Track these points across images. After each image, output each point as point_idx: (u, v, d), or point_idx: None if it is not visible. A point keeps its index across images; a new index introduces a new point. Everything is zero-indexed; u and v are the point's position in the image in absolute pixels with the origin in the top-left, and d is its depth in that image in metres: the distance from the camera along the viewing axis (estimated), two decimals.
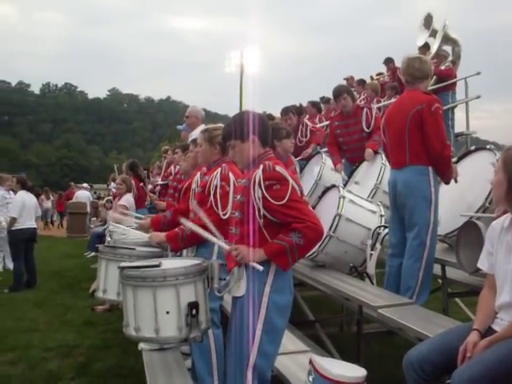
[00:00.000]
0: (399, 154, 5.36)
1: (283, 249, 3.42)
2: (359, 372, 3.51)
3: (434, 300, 5.95)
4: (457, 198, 5.56)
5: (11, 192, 14.00)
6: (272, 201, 3.43)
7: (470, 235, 4.55)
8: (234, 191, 4.20)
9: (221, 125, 4.98)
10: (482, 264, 3.38)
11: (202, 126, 7.88)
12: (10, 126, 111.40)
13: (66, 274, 13.46)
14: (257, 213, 3.49)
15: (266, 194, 3.44)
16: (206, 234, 3.72)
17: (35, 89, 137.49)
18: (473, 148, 6.15)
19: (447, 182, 5.40)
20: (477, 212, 5.13)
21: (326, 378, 3.37)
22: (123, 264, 3.75)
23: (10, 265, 13.51)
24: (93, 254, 15.92)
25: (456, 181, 5.38)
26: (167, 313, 3.43)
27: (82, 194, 26.09)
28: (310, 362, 3.51)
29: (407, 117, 5.21)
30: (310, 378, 3.46)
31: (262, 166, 3.53)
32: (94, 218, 23.46)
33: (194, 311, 3.44)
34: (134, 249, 4.65)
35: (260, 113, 4.01)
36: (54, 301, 10.44)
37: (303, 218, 3.43)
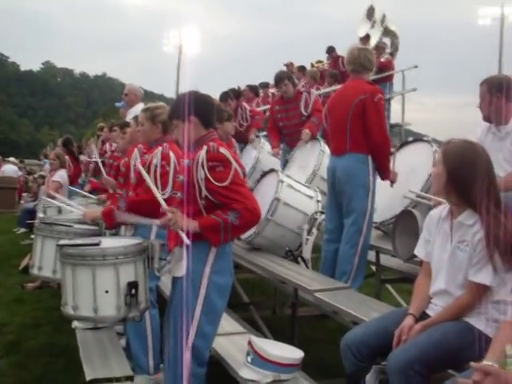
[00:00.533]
0: (340, 141, 5.44)
1: (217, 224, 3.43)
2: (296, 354, 3.61)
3: (366, 286, 6.09)
4: (393, 189, 5.67)
5: None
6: (214, 182, 3.44)
7: (405, 223, 4.67)
8: (177, 171, 4.18)
9: (162, 104, 4.95)
10: (419, 251, 3.49)
11: (141, 105, 7.82)
12: None
13: None
14: (198, 193, 3.49)
15: (208, 176, 3.44)
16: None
17: None
18: (410, 139, 6.29)
19: (384, 178, 5.51)
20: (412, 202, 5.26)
21: (265, 359, 3.44)
22: (62, 242, 3.70)
23: None
24: (23, 229, 15.56)
25: (392, 185, 5.51)
26: (106, 292, 3.41)
27: (9, 169, 25.32)
28: (249, 343, 3.58)
29: (350, 105, 5.30)
30: (249, 359, 3.53)
31: (205, 147, 3.53)
32: (25, 194, 22.94)
33: (133, 291, 3.43)
34: (71, 226, 4.58)
35: (205, 94, 3.99)
36: None
37: (243, 201, 3.46)
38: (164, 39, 35.48)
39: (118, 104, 10.37)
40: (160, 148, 4.64)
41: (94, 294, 3.39)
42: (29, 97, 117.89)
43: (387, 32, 14.29)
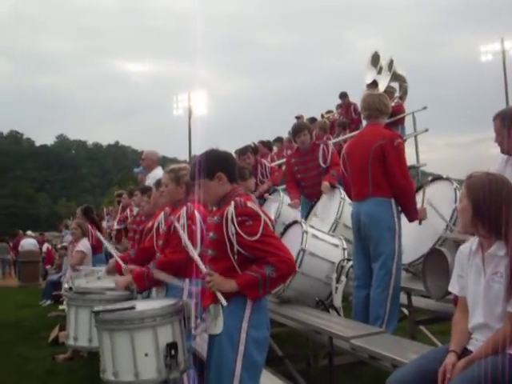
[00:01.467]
0: (362, 186, 5.49)
1: (256, 280, 3.46)
2: None
3: (400, 329, 6.04)
4: (419, 228, 5.67)
5: None
6: (246, 237, 3.47)
7: (435, 262, 4.67)
8: (206, 228, 4.22)
9: (185, 165, 5.05)
10: (453, 287, 3.48)
11: (160, 168, 7.97)
12: None
13: (23, 325, 13.05)
14: (229, 249, 3.52)
15: (239, 231, 3.48)
16: (172, 280, 3.73)
17: None
18: (430, 178, 6.33)
19: (411, 220, 5.53)
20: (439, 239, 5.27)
21: None
22: (97, 308, 3.72)
23: None
24: (48, 302, 15.63)
25: (421, 222, 5.52)
26: (146, 355, 3.43)
27: (28, 243, 25.56)
28: None
29: (370, 150, 5.37)
30: None
31: (233, 203, 3.58)
32: (49, 266, 23.08)
33: (172, 352, 3.43)
34: (103, 293, 4.60)
35: (225, 150, 4.07)
36: (11, 352, 10.08)
37: (277, 253, 3.48)
38: (173, 103, 36.15)
39: (136, 170, 10.56)
40: (185, 208, 4.71)
41: (134, 358, 3.41)
42: (44, 171, 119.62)
43: (396, 77, 14.46)
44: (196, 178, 3.83)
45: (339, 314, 5.98)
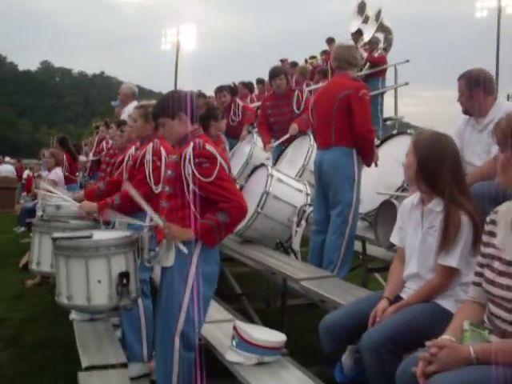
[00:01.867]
0: (326, 134, 5.62)
1: (210, 228, 3.63)
2: (279, 337, 3.80)
3: (354, 277, 6.27)
4: (378, 180, 5.86)
5: None
6: (201, 178, 3.62)
7: (387, 214, 4.86)
8: (165, 166, 4.36)
9: (155, 101, 5.13)
10: (394, 238, 3.68)
11: (135, 103, 8.01)
12: None
13: None
14: (185, 188, 3.67)
15: (195, 171, 3.62)
16: (144, 205, 3.85)
17: None
18: (395, 132, 6.48)
19: (368, 165, 5.70)
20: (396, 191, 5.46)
21: (249, 343, 3.64)
22: (56, 235, 3.87)
23: None
24: (22, 229, 15.77)
25: (376, 165, 5.69)
26: (99, 282, 3.59)
27: (5, 169, 25.53)
28: (234, 327, 3.78)
29: (335, 100, 5.46)
30: (234, 343, 3.73)
31: (192, 144, 3.70)
32: (25, 193, 23.10)
33: (124, 281, 3.61)
34: (68, 222, 4.75)
35: (189, 91, 4.18)
36: None
37: (230, 198, 3.64)
38: (162, 37, 35.58)
39: (113, 103, 10.58)
40: (151, 144, 4.84)
41: (87, 284, 3.57)
42: (27, 96, 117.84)
43: (382, 28, 14.42)
44: (158, 118, 3.95)
45: (296, 257, 6.17)
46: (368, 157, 5.62)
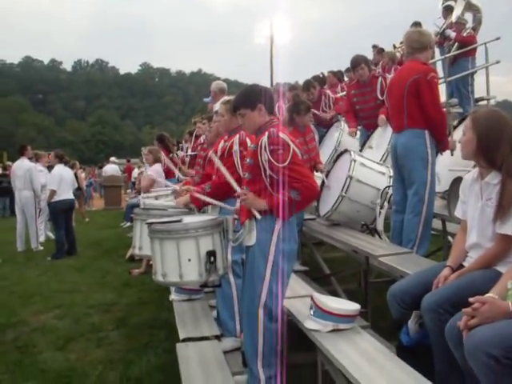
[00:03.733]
0: (398, 119, 5.85)
1: (283, 203, 3.98)
2: (354, 306, 4.11)
3: (439, 256, 6.47)
4: (454, 159, 6.02)
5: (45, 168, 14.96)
6: (276, 163, 3.97)
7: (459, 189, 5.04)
8: (246, 155, 4.74)
9: None
10: (458, 212, 3.90)
11: (225, 98, 8.45)
12: (45, 103, 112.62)
13: (104, 243, 14.25)
14: (263, 173, 4.04)
15: (270, 158, 3.98)
16: (212, 201, 4.30)
17: (67, 66, 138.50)
18: (472, 110, 6.57)
19: (443, 150, 5.89)
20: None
21: (324, 311, 3.97)
22: (150, 220, 4.33)
23: (50, 235, 14.49)
24: (128, 224, 16.68)
25: (452, 153, 5.85)
26: (189, 260, 3.99)
27: (111, 168, 26.73)
28: (311, 298, 4.11)
29: (405, 85, 5.68)
30: (311, 312, 4.06)
31: (267, 133, 4.05)
32: (129, 190, 24.23)
33: (212, 258, 4.01)
34: (165, 210, 5.19)
35: (266, 86, 4.55)
36: (93, 266, 11.22)
37: (301, 179, 3.98)
38: (255, 31, 35.93)
39: (205, 100, 11.07)
40: (237, 135, 5.23)
41: (179, 263, 3.98)
42: (129, 98, 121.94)
43: (470, 6, 14.18)
44: (238, 109, 4.34)
45: (380, 237, 6.43)
46: (442, 141, 5.81)
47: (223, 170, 4.31)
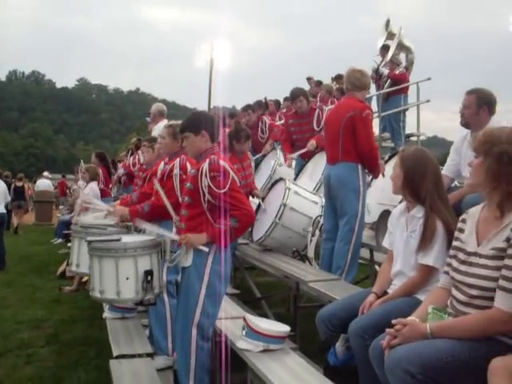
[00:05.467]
0: (333, 151, 6.14)
1: (223, 231, 4.18)
2: (284, 328, 4.33)
3: (366, 285, 6.76)
4: (383, 193, 6.31)
5: None
6: (215, 189, 4.17)
7: (387, 222, 5.34)
8: (185, 179, 4.91)
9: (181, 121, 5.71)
10: (385, 242, 4.18)
11: (165, 121, 8.62)
12: None
13: (34, 259, 14.03)
14: (202, 198, 4.22)
15: (210, 184, 4.17)
16: (157, 230, 4.44)
17: (1, 75, 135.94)
18: (401, 149, 6.93)
19: (376, 177, 6.23)
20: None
21: (256, 332, 4.17)
22: (90, 238, 4.44)
23: None
24: (59, 240, 16.54)
25: (383, 175, 6.18)
26: (127, 278, 4.12)
27: (43, 184, 26.28)
28: (244, 319, 4.31)
29: (342, 120, 5.98)
30: (244, 332, 4.26)
31: (208, 160, 4.26)
32: (61, 206, 23.91)
33: (149, 277, 4.15)
34: (104, 229, 5.29)
35: (211, 114, 4.77)
36: (22, 282, 11.07)
37: (240, 206, 4.20)
38: (196, 54, 36.14)
39: (147, 119, 11.23)
40: (178, 159, 5.40)
41: (117, 281, 4.10)
42: (64, 113, 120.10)
43: (401, 47, 14.74)
44: (184, 132, 4.52)
45: (311, 264, 6.69)
46: (374, 170, 6.16)
47: (162, 194, 4.48)
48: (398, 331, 2.97)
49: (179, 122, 5.64)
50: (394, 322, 3.03)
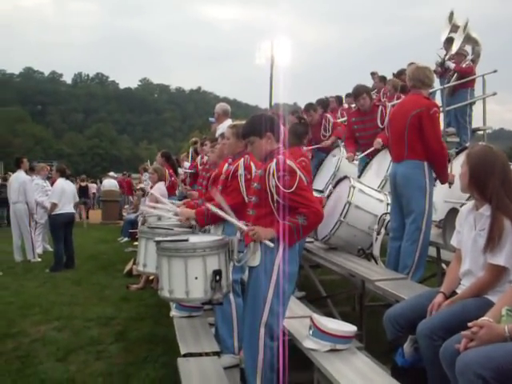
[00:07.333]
0: (399, 149, 6.08)
1: (290, 228, 4.17)
2: (351, 328, 4.31)
3: (433, 282, 6.67)
4: (451, 191, 6.23)
5: (47, 181, 15.17)
6: (283, 189, 4.18)
7: (454, 220, 5.26)
8: (253, 179, 4.94)
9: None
10: (453, 241, 4.12)
11: (229, 120, 8.70)
12: (43, 115, 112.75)
13: (101, 257, 14.39)
14: (270, 198, 4.24)
15: (278, 183, 4.18)
16: (227, 217, 4.45)
17: (67, 78, 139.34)
18: (468, 144, 6.84)
19: (443, 182, 6.13)
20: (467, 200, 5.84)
21: (323, 332, 4.17)
22: (158, 238, 4.51)
23: (48, 247, 14.68)
24: (125, 239, 16.88)
25: (450, 186, 6.08)
26: (196, 278, 4.16)
27: (108, 183, 26.82)
28: (311, 319, 4.31)
29: (408, 117, 5.92)
30: (310, 332, 4.26)
31: (275, 160, 4.26)
32: (127, 206, 24.38)
33: (217, 277, 4.19)
34: (171, 229, 5.37)
35: (271, 115, 4.79)
36: (91, 280, 11.36)
37: (308, 204, 4.18)
38: (256, 51, 36.27)
39: (211, 119, 11.36)
40: (242, 159, 5.44)
41: (186, 280, 4.15)
42: (128, 113, 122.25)
43: (468, 39, 14.47)
44: (247, 137, 4.54)
45: (376, 263, 6.64)
46: (442, 173, 6.06)
47: (225, 206, 4.48)
48: (474, 333, 2.93)
49: (243, 122, 5.68)
50: (469, 324, 2.99)
